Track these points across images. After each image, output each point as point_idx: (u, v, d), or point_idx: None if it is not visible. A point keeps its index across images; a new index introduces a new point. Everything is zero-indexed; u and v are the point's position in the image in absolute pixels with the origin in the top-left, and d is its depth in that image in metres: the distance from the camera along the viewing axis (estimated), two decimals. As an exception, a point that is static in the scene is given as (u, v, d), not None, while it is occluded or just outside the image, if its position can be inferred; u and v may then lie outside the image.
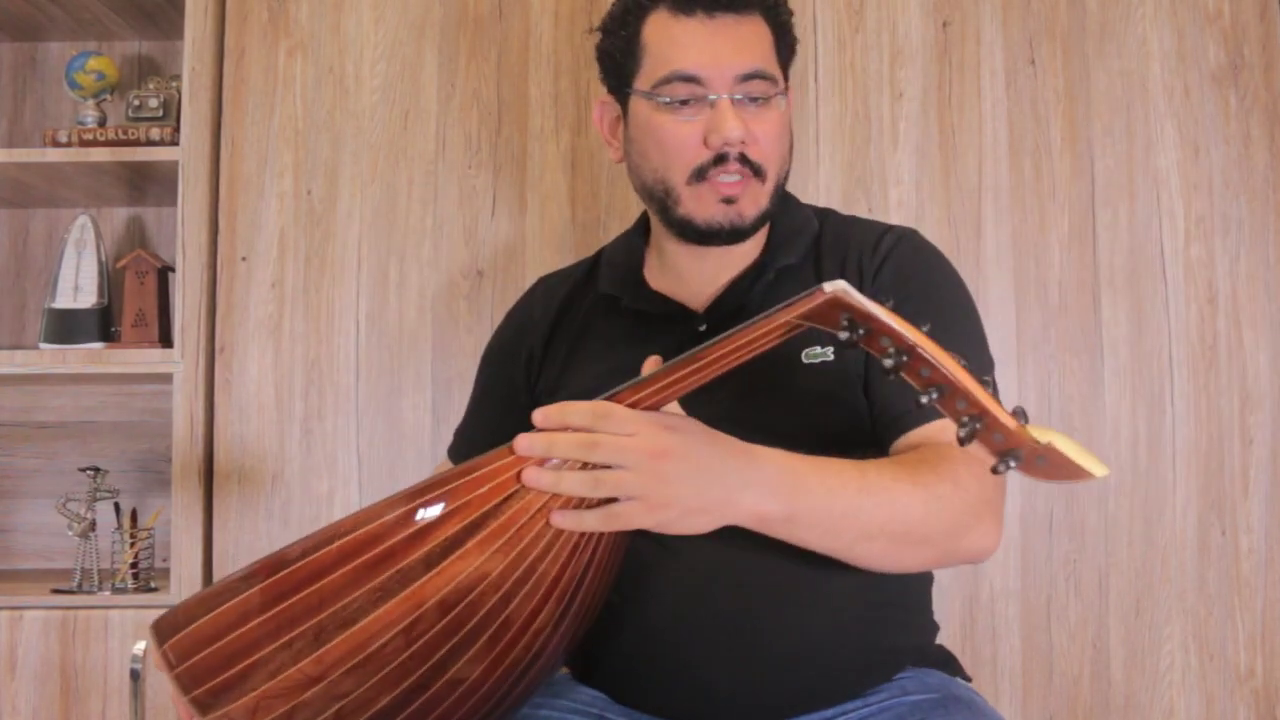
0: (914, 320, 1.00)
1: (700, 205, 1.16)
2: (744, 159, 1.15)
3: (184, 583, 1.76)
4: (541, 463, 0.88)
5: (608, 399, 0.90)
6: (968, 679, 1.22)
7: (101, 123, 1.93)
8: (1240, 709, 1.71)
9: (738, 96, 1.14)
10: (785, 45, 1.21)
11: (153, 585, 1.81)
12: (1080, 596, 1.73)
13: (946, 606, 1.72)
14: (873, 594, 1.11)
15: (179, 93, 1.87)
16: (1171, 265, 1.76)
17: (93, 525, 1.84)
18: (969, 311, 1.19)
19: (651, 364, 0.94)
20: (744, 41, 1.15)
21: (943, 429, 1.08)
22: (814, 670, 1.09)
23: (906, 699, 1.11)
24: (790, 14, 1.22)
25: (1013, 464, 0.78)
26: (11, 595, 1.76)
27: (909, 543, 1.01)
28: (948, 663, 1.21)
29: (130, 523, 1.85)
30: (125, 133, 1.87)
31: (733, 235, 1.18)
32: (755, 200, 1.17)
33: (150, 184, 1.99)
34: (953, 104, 1.80)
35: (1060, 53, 1.80)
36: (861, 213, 1.76)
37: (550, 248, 1.81)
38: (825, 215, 1.28)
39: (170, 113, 1.92)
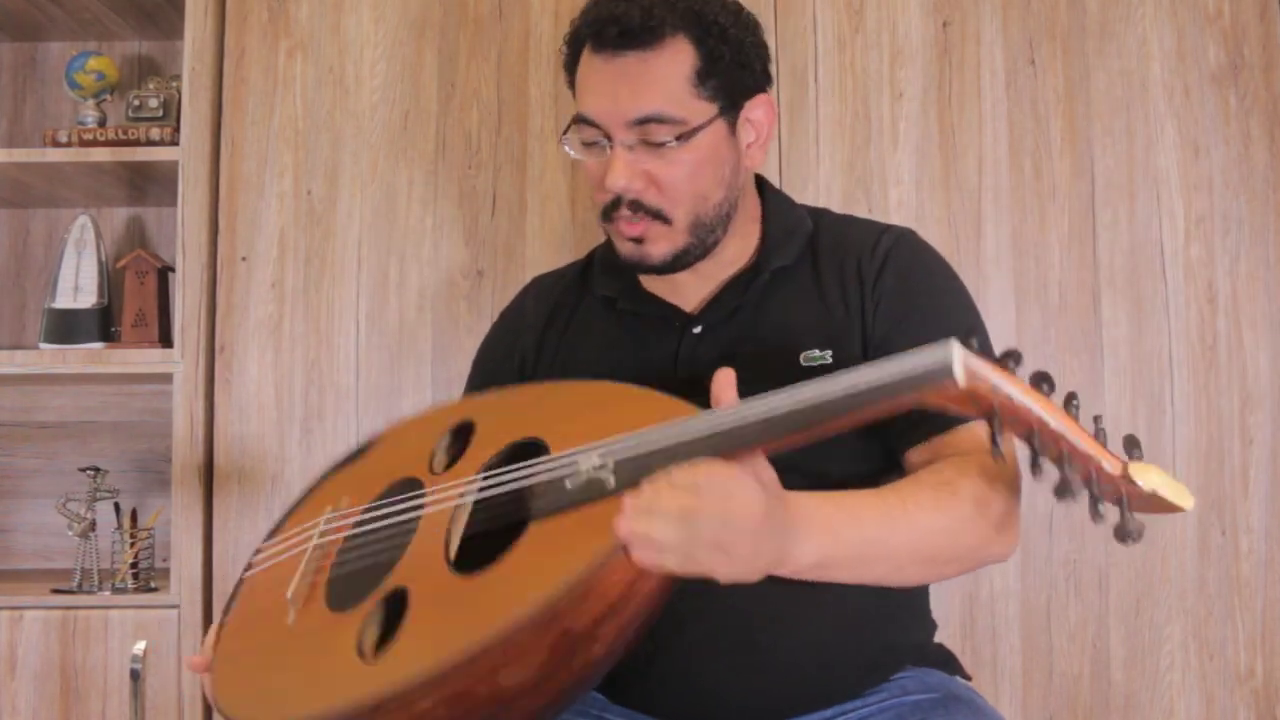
0: (918, 322, 1.01)
1: (616, 240, 1.17)
2: (638, 205, 1.12)
3: (184, 583, 1.76)
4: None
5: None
6: (968, 678, 1.22)
7: (101, 123, 1.93)
8: (1240, 709, 1.71)
9: (633, 143, 1.11)
10: (720, 68, 1.12)
11: (153, 585, 1.81)
12: (1080, 596, 1.73)
13: (946, 606, 1.72)
14: (871, 594, 1.11)
15: (179, 93, 1.87)
16: (1171, 265, 1.76)
17: (93, 525, 1.84)
18: (970, 311, 1.19)
19: (723, 381, 0.93)
20: (643, 83, 1.10)
21: (961, 436, 1.07)
22: (813, 670, 1.09)
23: (907, 699, 1.11)
24: (730, 28, 1.13)
25: (1129, 540, 0.82)
26: (11, 595, 1.76)
27: (936, 564, 1.03)
28: (948, 662, 1.21)
29: (130, 523, 1.86)
30: (125, 133, 1.87)
31: (649, 269, 1.17)
32: (665, 240, 1.14)
33: (150, 184, 1.99)
34: (953, 104, 1.80)
35: (1060, 53, 1.80)
36: (861, 213, 1.76)
37: (550, 248, 1.81)
38: (820, 215, 1.27)
39: (170, 113, 1.93)
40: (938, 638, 1.26)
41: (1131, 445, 0.86)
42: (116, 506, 1.89)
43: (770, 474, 0.90)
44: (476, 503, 1.01)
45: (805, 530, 0.93)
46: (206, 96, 1.83)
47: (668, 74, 1.11)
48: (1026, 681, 1.73)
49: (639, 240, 1.14)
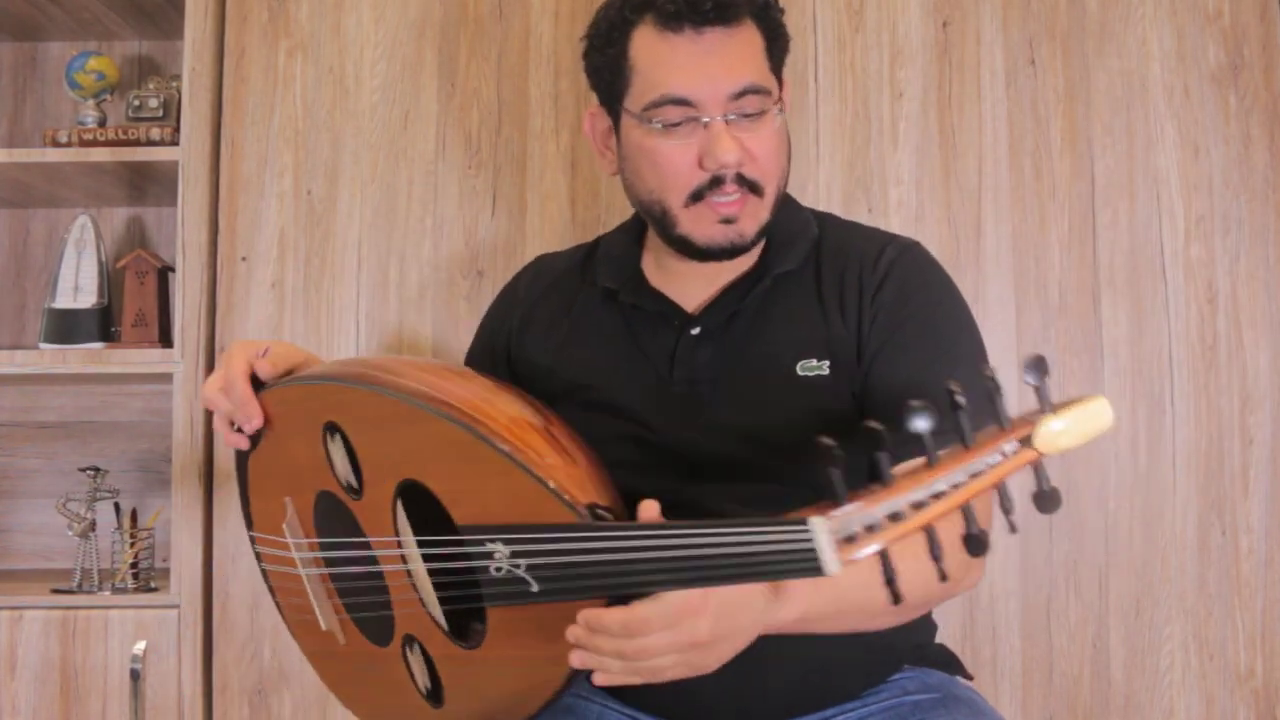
0: (909, 342, 1.06)
1: (699, 225, 1.14)
2: (741, 179, 1.12)
3: (184, 583, 1.76)
4: None
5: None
6: (969, 677, 1.22)
7: (101, 123, 1.93)
8: (1240, 709, 1.71)
9: (731, 116, 1.11)
10: (778, 47, 1.17)
11: (153, 585, 1.81)
12: (1080, 596, 1.73)
13: (946, 606, 1.72)
14: None
15: (179, 93, 1.87)
16: (1171, 265, 1.76)
17: (93, 525, 1.84)
18: (967, 328, 1.18)
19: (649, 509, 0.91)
20: (735, 56, 1.11)
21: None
22: (812, 671, 1.09)
23: (907, 699, 1.11)
24: (781, 11, 1.18)
25: (1051, 504, 0.74)
26: (11, 595, 1.76)
27: (909, 610, 1.05)
28: (948, 662, 1.21)
29: (130, 523, 1.85)
30: (125, 133, 1.87)
31: (733, 253, 1.16)
32: (755, 216, 1.14)
33: (150, 184, 1.99)
34: (953, 104, 1.80)
35: (1060, 53, 1.80)
36: (861, 213, 1.76)
37: (550, 248, 1.79)
38: (825, 220, 1.27)
39: (170, 113, 1.92)
40: (938, 638, 1.26)
41: (1039, 375, 0.73)
42: (116, 506, 1.89)
43: (715, 598, 0.89)
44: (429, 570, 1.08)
45: (780, 613, 0.94)
46: (206, 96, 1.83)
47: (753, 47, 1.13)
48: (1026, 681, 1.73)
49: (731, 220, 1.13)
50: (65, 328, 1.90)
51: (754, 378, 1.14)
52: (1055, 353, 1.75)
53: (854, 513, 0.73)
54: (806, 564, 0.75)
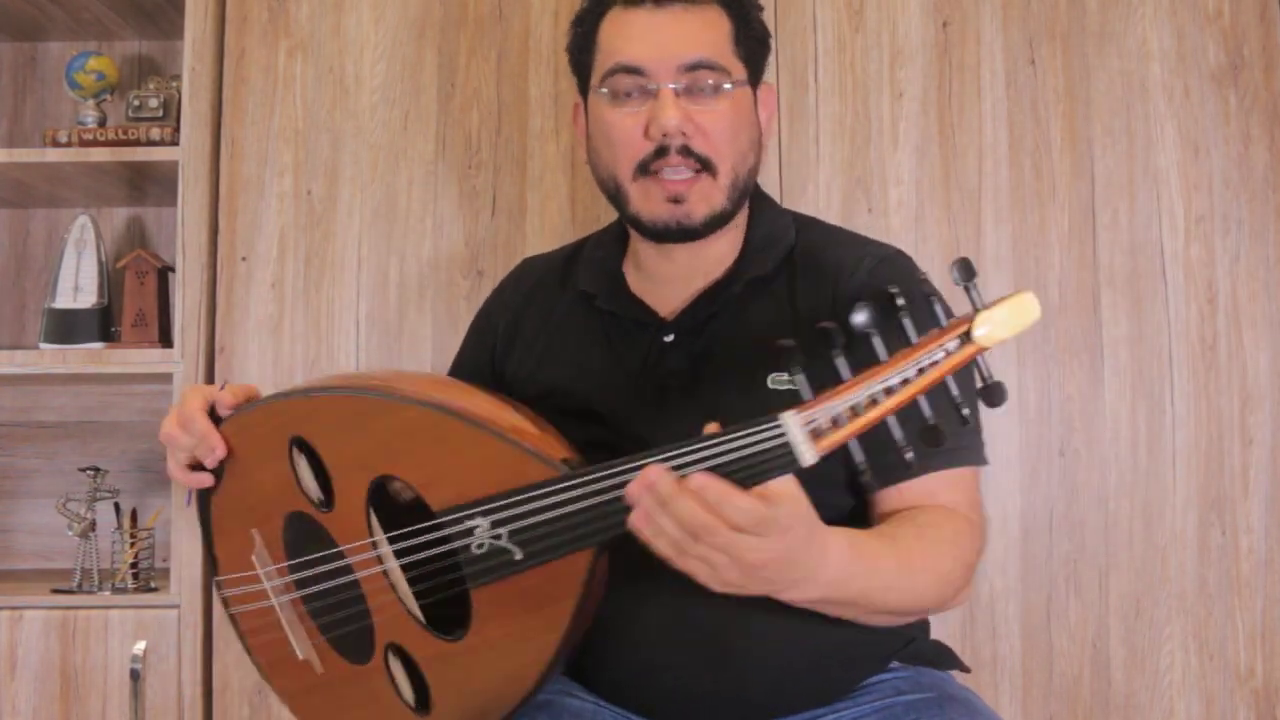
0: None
1: (647, 202, 1.14)
2: (687, 151, 1.11)
3: (184, 583, 1.76)
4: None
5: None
6: (966, 669, 1.21)
7: (101, 123, 1.93)
8: (1240, 709, 1.71)
9: (679, 85, 1.11)
10: (748, 37, 1.17)
11: (153, 585, 1.81)
12: (1080, 596, 1.73)
13: (946, 606, 1.72)
14: None
15: (179, 93, 1.87)
16: (1171, 265, 1.76)
17: (93, 525, 1.84)
18: None
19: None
20: (691, 30, 1.12)
21: (935, 485, 1.08)
22: (794, 670, 1.09)
23: (900, 699, 1.10)
24: (757, 8, 1.18)
25: (998, 395, 0.81)
26: (11, 595, 1.76)
27: (899, 617, 1.07)
28: (942, 657, 1.20)
29: (130, 523, 1.85)
30: (125, 133, 1.87)
31: (682, 234, 1.14)
32: (705, 198, 1.13)
33: (150, 184, 1.99)
34: (953, 104, 1.80)
35: (1060, 53, 1.80)
36: (861, 212, 1.76)
37: (550, 248, 1.80)
38: (806, 225, 1.25)
39: (170, 113, 1.93)
40: (934, 637, 1.25)
41: (967, 275, 0.84)
42: (116, 506, 1.89)
43: (802, 514, 0.88)
44: (404, 566, 1.07)
45: (820, 577, 0.93)
46: (206, 96, 1.83)
47: (714, 27, 1.13)
48: (1026, 681, 1.73)
49: (679, 200, 1.12)
50: (65, 328, 1.90)
51: (723, 386, 1.13)
52: (1055, 353, 1.75)
53: (820, 407, 0.81)
54: (784, 458, 0.82)
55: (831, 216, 1.68)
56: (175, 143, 1.84)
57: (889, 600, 1.02)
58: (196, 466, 1.18)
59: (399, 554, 1.07)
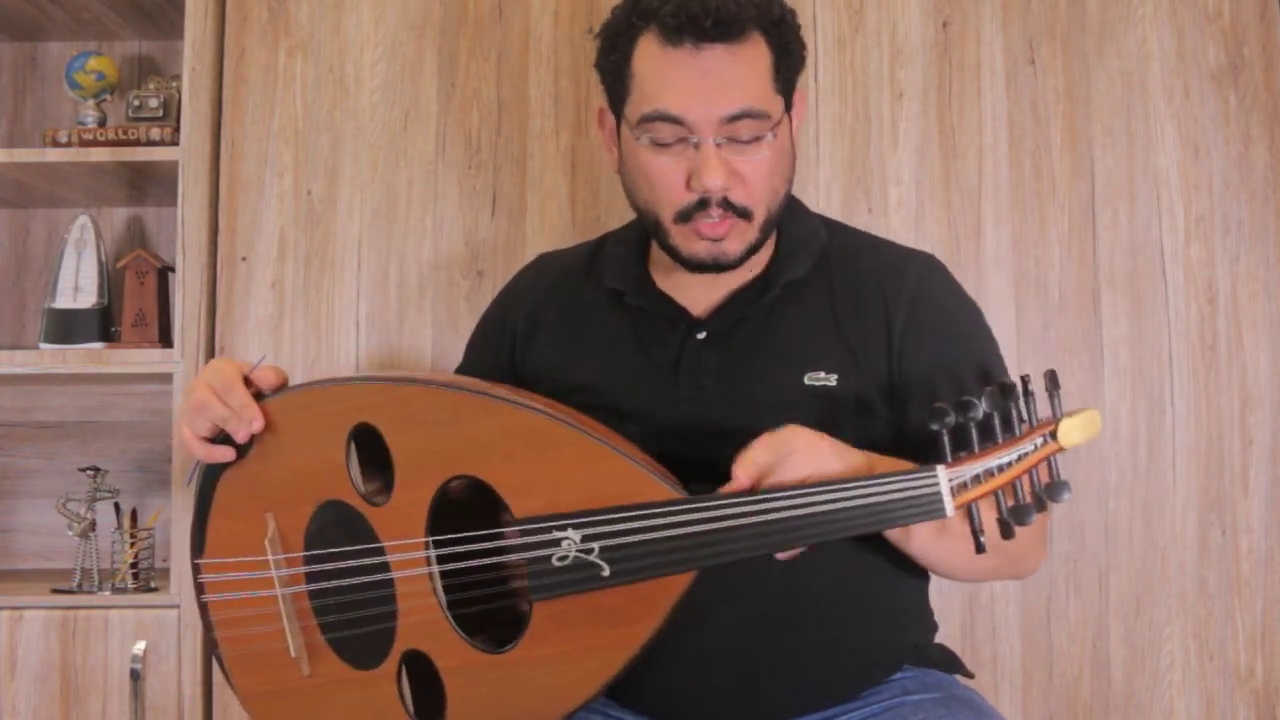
0: (956, 367, 1.13)
1: (685, 241, 1.13)
2: (728, 204, 1.10)
3: (184, 583, 1.75)
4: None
5: None
6: (970, 675, 1.22)
7: (101, 123, 1.93)
8: (1240, 709, 1.71)
9: (722, 140, 1.08)
10: (789, 64, 1.13)
11: (153, 585, 1.81)
12: (1080, 596, 1.73)
13: (946, 606, 1.72)
14: (865, 597, 1.11)
15: (179, 93, 1.87)
16: (1171, 265, 1.76)
17: (93, 525, 1.84)
18: (991, 343, 1.21)
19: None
20: (733, 77, 1.08)
21: None
22: (809, 672, 1.09)
23: (908, 699, 1.11)
24: (796, 26, 1.14)
25: (1063, 496, 0.93)
26: (11, 595, 1.76)
27: (976, 579, 1.16)
28: (948, 661, 1.21)
29: (130, 523, 1.85)
30: (125, 133, 1.87)
31: (718, 268, 1.15)
32: (741, 238, 1.13)
33: (150, 184, 1.99)
34: (953, 104, 1.80)
35: (1060, 53, 1.80)
36: (861, 212, 1.77)
37: (550, 248, 1.79)
38: (835, 228, 1.26)
39: (170, 113, 1.92)
40: (937, 638, 1.26)
41: (1053, 386, 0.95)
42: (116, 506, 1.89)
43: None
44: (457, 571, 1.04)
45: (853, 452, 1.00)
46: (206, 96, 1.83)
47: (755, 68, 1.09)
48: (1026, 681, 1.73)
49: (718, 239, 1.12)
50: (65, 328, 1.90)
51: (760, 384, 1.14)
52: (1055, 353, 1.76)
53: (960, 468, 0.92)
54: (932, 507, 0.92)
55: (831, 216, 1.67)
56: (175, 143, 1.84)
57: (955, 559, 1.06)
58: (215, 439, 1.14)
59: (451, 559, 1.04)
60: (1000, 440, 0.92)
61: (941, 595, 1.65)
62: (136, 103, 1.93)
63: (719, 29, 1.06)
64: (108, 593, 1.78)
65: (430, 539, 1.05)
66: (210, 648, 1.19)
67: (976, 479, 0.92)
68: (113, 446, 2.10)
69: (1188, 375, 1.75)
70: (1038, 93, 1.79)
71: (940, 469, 0.91)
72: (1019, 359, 1.75)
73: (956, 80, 1.80)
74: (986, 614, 1.74)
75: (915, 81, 1.80)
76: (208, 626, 1.18)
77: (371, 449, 1.10)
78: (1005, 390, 0.91)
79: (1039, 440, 0.92)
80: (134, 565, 1.82)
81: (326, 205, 1.84)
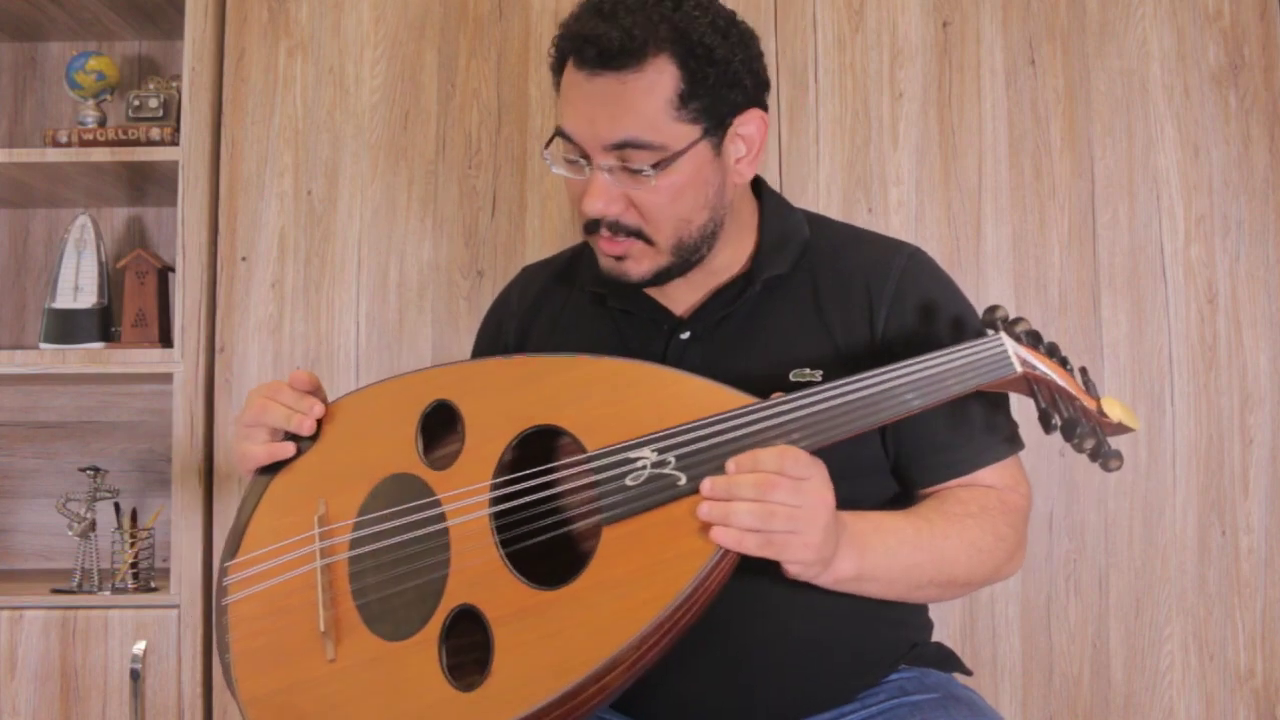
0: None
1: (598, 254, 1.14)
2: (617, 226, 1.09)
3: (184, 583, 1.76)
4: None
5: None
6: (968, 673, 1.22)
7: (101, 123, 1.93)
8: (1240, 709, 1.71)
9: (608, 165, 1.06)
10: (706, 88, 1.06)
11: (153, 585, 1.81)
12: (1080, 596, 1.73)
13: (946, 606, 1.72)
14: (859, 600, 1.11)
15: (179, 93, 1.87)
16: (1171, 265, 1.76)
17: (93, 525, 1.84)
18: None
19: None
20: (621, 107, 1.04)
21: (979, 477, 1.13)
22: (807, 674, 1.09)
23: (906, 699, 1.11)
24: (716, 48, 1.07)
25: (1113, 463, 1.01)
26: (11, 595, 1.76)
27: (953, 587, 1.10)
28: (946, 660, 1.21)
29: (130, 523, 1.85)
30: (125, 133, 1.87)
31: (626, 288, 1.15)
32: (645, 260, 1.12)
33: (150, 184, 1.99)
34: (953, 104, 1.80)
35: (1060, 53, 1.80)
36: (861, 212, 1.76)
37: (550, 248, 1.81)
38: (819, 223, 1.25)
39: (170, 113, 1.92)
40: (937, 637, 1.25)
41: (1089, 383, 1.05)
42: (116, 506, 1.89)
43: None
44: (521, 507, 1.03)
45: (848, 544, 1.00)
46: (206, 96, 1.83)
47: (647, 99, 1.05)
48: (1026, 681, 1.73)
49: (620, 258, 1.12)
50: (65, 328, 1.90)
51: (745, 382, 1.13)
52: (1055, 353, 1.76)
53: (1024, 350, 1.02)
54: (1002, 364, 1.00)
55: (831, 216, 1.67)
56: (175, 143, 1.85)
57: (922, 565, 1.05)
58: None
59: (512, 498, 1.03)
60: (1053, 360, 1.02)
61: (941, 595, 1.65)
62: (136, 103, 1.93)
63: (602, 59, 1.04)
64: (108, 593, 1.78)
65: (492, 481, 1.03)
66: (220, 651, 1.15)
67: (1034, 355, 1.01)
68: (113, 446, 2.10)
69: (1188, 375, 1.75)
70: (1038, 93, 1.79)
71: (1002, 334, 1.02)
72: (1019, 359, 1.75)
73: (956, 80, 1.80)
74: (986, 614, 1.74)
75: (915, 81, 1.80)
76: (222, 629, 1.15)
77: (445, 424, 1.09)
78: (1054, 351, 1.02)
79: (1082, 387, 1.02)
80: (134, 565, 1.82)
81: (326, 205, 1.84)
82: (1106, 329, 1.76)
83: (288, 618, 1.10)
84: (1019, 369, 0.99)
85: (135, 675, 1.71)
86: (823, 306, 1.16)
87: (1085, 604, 1.73)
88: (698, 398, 0.99)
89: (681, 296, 1.20)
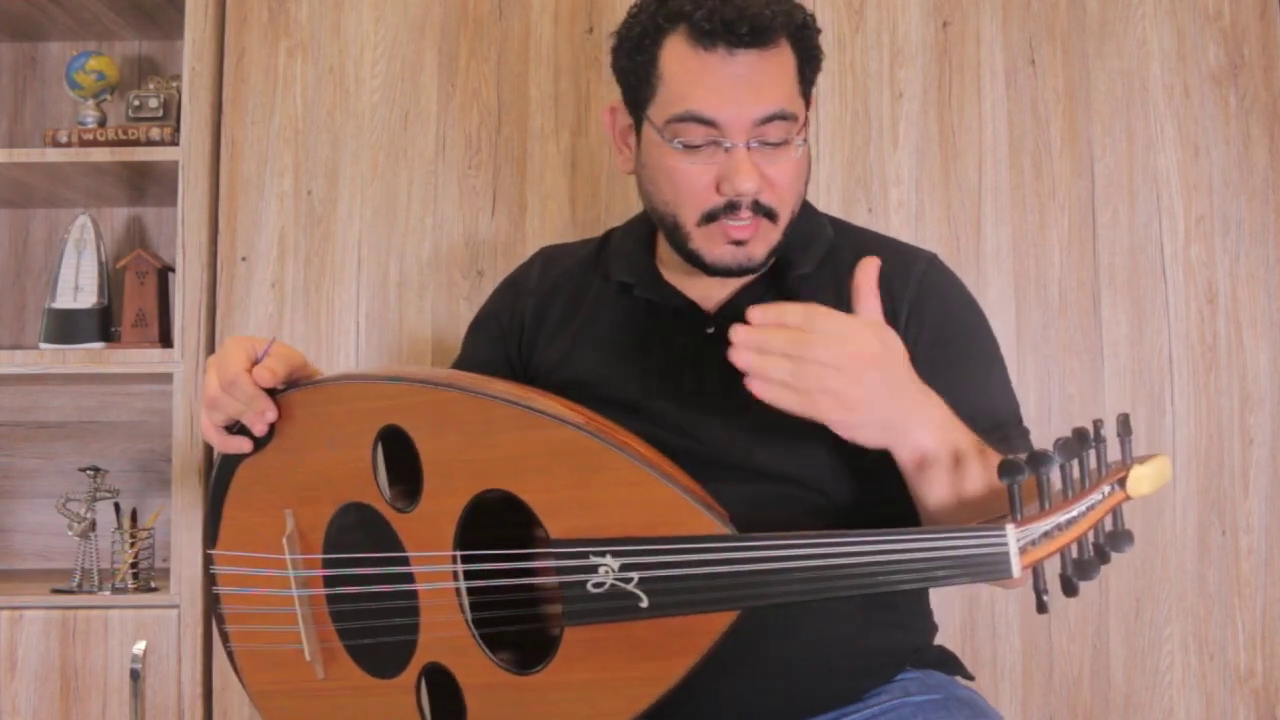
0: (959, 374, 1.08)
1: (709, 244, 1.12)
2: (757, 206, 1.10)
3: (184, 583, 1.76)
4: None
5: None
6: (970, 677, 1.22)
7: (101, 123, 1.93)
8: (1240, 709, 1.71)
9: (754, 143, 1.08)
10: (811, 69, 1.15)
11: (153, 585, 1.81)
12: (1080, 596, 1.72)
13: (946, 606, 1.72)
14: (866, 600, 1.11)
15: (179, 93, 1.87)
16: (1171, 265, 1.76)
17: (93, 525, 1.84)
18: (999, 356, 1.20)
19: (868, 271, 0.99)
20: (766, 81, 1.08)
21: None
22: (810, 675, 1.09)
23: (909, 700, 1.11)
24: (817, 31, 1.15)
25: (1126, 548, 0.89)
26: (11, 595, 1.76)
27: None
28: (948, 663, 1.21)
29: (130, 523, 1.85)
30: (125, 133, 1.87)
31: (741, 273, 1.15)
32: (766, 240, 1.13)
33: (150, 184, 1.99)
34: (953, 104, 1.80)
35: (1060, 53, 1.80)
36: (861, 212, 1.77)
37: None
38: (840, 226, 1.27)
39: (170, 113, 1.93)
40: (937, 639, 1.25)
41: (1125, 431, 0.91)
42: (116, 506, 1.89)
43: (893, 337, 0.96)
44: (490, 588, 1.01)
45: (933, 416, 0.97)
46: (206, 96, 1.83)
47: (784, 71, 1.10)
48: (1026, 681, 1.73)
49: (742, 243, 1.11)
50: (65, 328, 1.90)
51: None
52: (1055, 353, 1.76)
53: (1028, 526, 0.86)
54: (998, 566, 0.85)
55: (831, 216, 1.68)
56: (175, 143, 1.85)
57: (987, 471, 0.98)
58: (235, 428, 1.12)
59: (478, 575, 1.01)
60: (1070, 494, 0.87)
61: (942, 595, 1.65)
62: (136, 103, 1.93)
63: (753, 35, 1.07)
64: (108, 593, 1.78)
65: (458, 553, 1.02)
66: (222, 640, 1.17)
67: (1046, 535, 0.86)
68: (113, 446, 2.10)
69: (1188, 375, 1.75)
70: (1037, 93, 1.79)
71: (1010, 528, 0.84)
72: (1019, 359, 1.75)
73: (956, 80, 1.80)
74: (986, 614, 1.74)
75: (915, 81, 1.80)
76: (219, 619, 1.16)
77: (399, 452, 1.07)
78: (1080, 438, 0.86)
79: (1107, 489, 0.88)
80: (134, 565, 1.82)
81: (326, 205, 1.84)
82: (1106, 329, 1.76)
83: (277, 631, 1.12)
84: (1017, 574, 0.86)
85: (135, 675, 1.71)
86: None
87: (1085, 604, 1.73)
88: (664, 509, 0.93)
89: (709, 291, 1.19)
